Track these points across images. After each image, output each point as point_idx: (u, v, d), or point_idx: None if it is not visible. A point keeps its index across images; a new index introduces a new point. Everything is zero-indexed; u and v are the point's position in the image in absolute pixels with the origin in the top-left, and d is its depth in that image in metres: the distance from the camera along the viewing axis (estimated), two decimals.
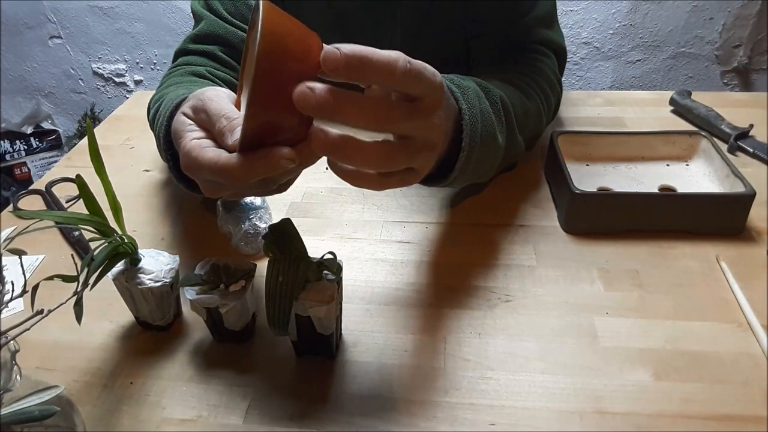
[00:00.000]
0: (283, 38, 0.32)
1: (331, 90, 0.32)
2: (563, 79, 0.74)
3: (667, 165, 0.69)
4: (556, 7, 0.73)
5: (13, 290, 0.35)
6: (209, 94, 0.42)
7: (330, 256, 0.44)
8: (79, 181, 0.43)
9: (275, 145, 0.35)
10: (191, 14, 0.75)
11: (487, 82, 0.56)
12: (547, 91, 0.67)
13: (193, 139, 0.40)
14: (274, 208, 0.65)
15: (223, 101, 0.41)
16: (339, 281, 0.44)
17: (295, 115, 0.34)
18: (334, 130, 0.34)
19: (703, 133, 0.68)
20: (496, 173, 0.63)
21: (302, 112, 0.33)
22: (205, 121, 0.41)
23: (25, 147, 2.01)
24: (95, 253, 0.43)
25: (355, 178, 0.38)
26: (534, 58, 0.69)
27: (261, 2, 0.32)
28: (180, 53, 0.72)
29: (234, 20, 0.72)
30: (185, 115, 0.43)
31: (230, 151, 0.37)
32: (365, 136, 0.35)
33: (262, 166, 0.35)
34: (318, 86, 0.32)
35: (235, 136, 0.37)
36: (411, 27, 0.76)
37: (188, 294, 0.45)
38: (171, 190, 0.72)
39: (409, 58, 0.33)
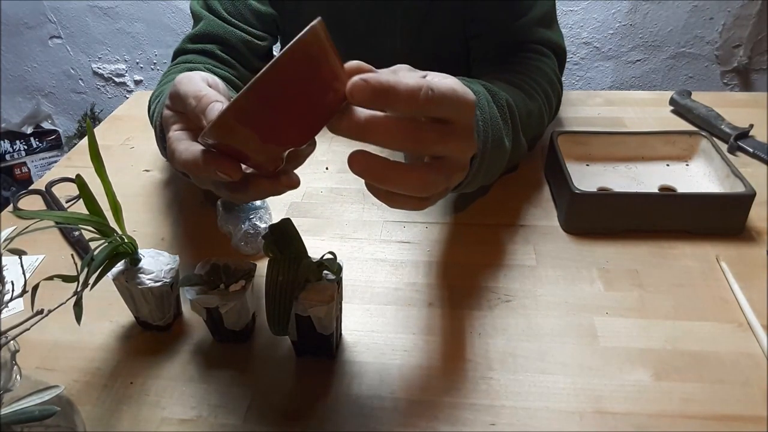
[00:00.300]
0: (309, 65, 0.30)
1: (362, 112, 0.33)
2: (563, 79, 0.74)
3: (667, 165, 0.69)
4: (555, 7, 0.73)
5: (13, 290, 0.35)
6: (180, 77, 0.42)
7: (330, 256, 0.44)
8: (79, 181, 0.43)
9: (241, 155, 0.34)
10: (191, 15, 0.75)
11: (492, 83, 0.56)
12: (548, 92, 0.67)
13: (175, 131, 0.41)
14: (274, 208, 0.65)
15: (193, 82, 0.40)
16: (339, 281, 0.44)
17: (269, 148, 0.33)
18: (375, 153, 0.34)
19: (703, 133, 0.68)
20: (500, 176, 0.63)
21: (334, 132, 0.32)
22: (180, 106, 0.41)
23: (25, 147, 2.01)
24: (95, 253, 0.43)
25: (392, 200, 0.37)
26: (534, 57, 0.69)
27: (317, 22, 0.30)
28: (179, 53, 0.72)
29: (233, 20, 0.72)
30: (167, 107, 0.44)
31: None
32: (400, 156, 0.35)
33: (206, 171, 0.36)
34: (354, 110, 0.32)
35: (208, 116, 0.37)
36: (411, 27, 0.76)
37: (188, 294, 0.45)
38: (171, 190, 0.72)
39: (434, 86, 0.33)
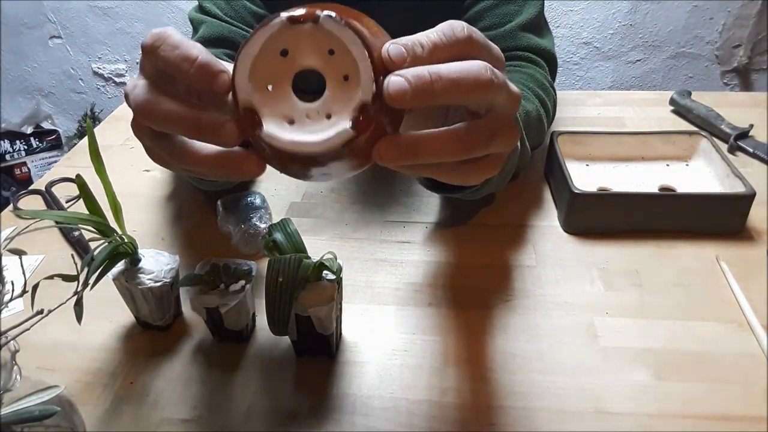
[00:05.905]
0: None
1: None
2: (563, 79, 0.74)
3: (667, 165, 0.69)
4: (543, 13, 0.72)
5: (13, 290, 0.35)
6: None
7: (330, 256, 0.44)
8: (79, 181, 0.43)
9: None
10: (190, 24, 0.75)
11: None
12: (542, 96, 0.65)
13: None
14: (274, 208, 0.65)
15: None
16: (339, 281, 0.44)
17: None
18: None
19: (703, 133, 0.68)
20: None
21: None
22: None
23: (25, 147, 2.01)
24: (95, 253, 0.43)
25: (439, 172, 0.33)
26: (522, 65, 0.68)
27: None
28: None
29: (234, 21, 0.72)
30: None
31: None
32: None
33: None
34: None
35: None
36: (400, 29, 0.76)
37: (188, 294, 0.45)
38: (171, 190, 0.72)
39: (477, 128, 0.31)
